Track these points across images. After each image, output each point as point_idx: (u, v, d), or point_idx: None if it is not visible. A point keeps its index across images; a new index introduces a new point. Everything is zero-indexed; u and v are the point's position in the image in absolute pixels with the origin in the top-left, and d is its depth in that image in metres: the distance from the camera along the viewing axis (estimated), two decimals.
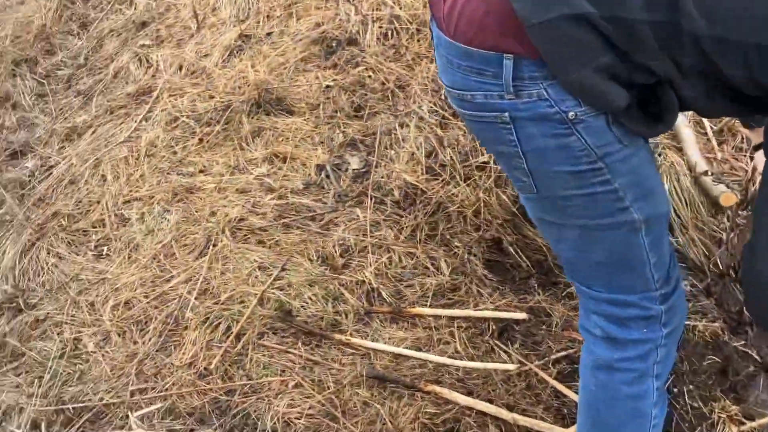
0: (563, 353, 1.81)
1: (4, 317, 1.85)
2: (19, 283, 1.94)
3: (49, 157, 2.41)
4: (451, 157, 2.22)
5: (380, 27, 2.72)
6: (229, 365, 1.69)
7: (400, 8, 2.74)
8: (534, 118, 1.08)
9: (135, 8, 3.31)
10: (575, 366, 1.76)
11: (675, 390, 1.82)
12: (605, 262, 1.22)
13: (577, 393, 1.67)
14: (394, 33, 2.69)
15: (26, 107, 2.72)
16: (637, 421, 1.31)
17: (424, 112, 2.37)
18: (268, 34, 2.90)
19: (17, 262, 2.00)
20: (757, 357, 1.89)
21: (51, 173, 2.33)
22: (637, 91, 1.05)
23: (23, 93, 2.80)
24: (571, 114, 1.05)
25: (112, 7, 3.37)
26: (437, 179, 2.18)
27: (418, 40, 2.64)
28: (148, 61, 2.93)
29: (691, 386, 1.82)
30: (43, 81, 2.88)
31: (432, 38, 1.25)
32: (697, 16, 0.94)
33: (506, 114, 1.10)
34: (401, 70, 2.54)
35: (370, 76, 2.53)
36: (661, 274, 1.23)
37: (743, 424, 1.74)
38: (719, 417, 1.75)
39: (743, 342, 1.94)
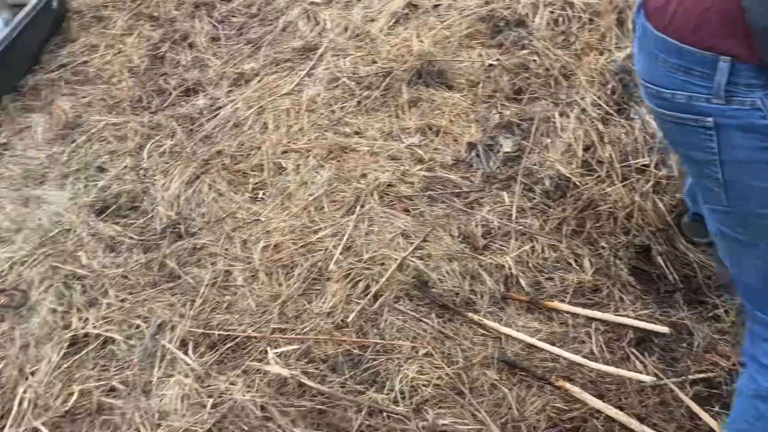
0: (702, 375, 1.72)
1: (166, 240, 1.99)
2: (182, 211, 2.08)
3: (218, 98, 2.54)
4: (610, 154, 2.14)
5: (551, 12, 2.66)
6: (364, 322, 1.75)
7: None
8: (742, 128, 1.03)
9: None
10: (713, 391, 1.69)
11: None
12: None
13: (714, 418, 1.60)
14: (565, 20, 2.63)
15: (201, 48, 2.88)
16: None
17: (587, 105, 2.30)
18: (435, 6, 2.90)
19: (182, 192, 2.14)
20: None
21: (218, 114, 2.46)
22: None
23: (199, 34, 2.96)
24: None
25: None
26: (592, 175, 2.12)
27: (590, 30, 2.56)
28: (315, 19, 3.01)
29: None
30: (217, 25, 3.03)
31: (635, 29, 1.20)
32: None
33: (710, 119, 1.05)
34: (568, 58, 2.47)
35: (534, 60, 2.48)
36: None
37: None
38: None
39: None
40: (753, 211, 1.10)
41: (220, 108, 2.50)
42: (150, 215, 2.07)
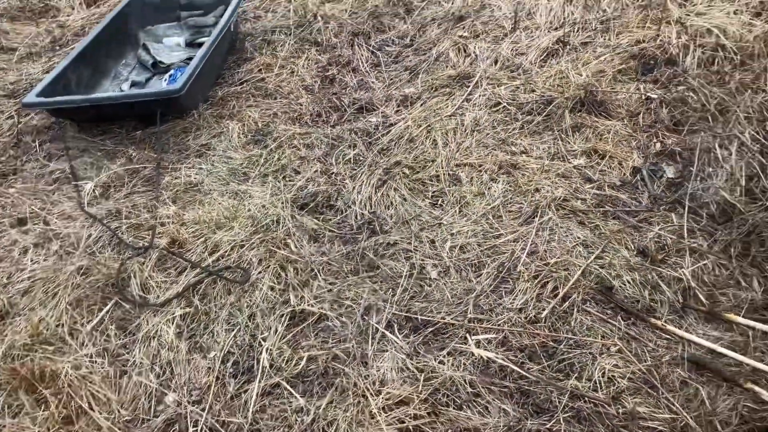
0: None
1: (363, 234, 2.20)
2: (375, 211, 2.30)
3: (389, 116, 2.78)
4: None
5: (703, 53, 2.81)
6: (556, 319, 1.90)
7: (726, 38, 2.80)
8: None
9: (452, 3, 3.66)
10: None
11: None
12: None
13: None
14: (718, 60, 2.77)
15: (364, 72, 3.14)
16: None
17: (746, 139, 2.43)
18: (585, 43, 3.09)
19: (373, 194, 2.35)
20: None
21: (390, 130, 2.69)
22: None
23: (360, 60, 3.23)
24: None
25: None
26: (756, 203, 2.23)
27: (743, 71, 2.69)
28: (465, 50, 3.24)
29: None
30: (376, 52, 3.30)
31: None
32: None
33: None
34: (723, 95, 2.61)
35: (691, 96, 2.62)
36: None
37: None
38: None
39: None
40: None
41: (392, 125, 2.73)
42: (345, 213, 2.30)
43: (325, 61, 3.22)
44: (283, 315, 1.93)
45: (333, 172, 2.47)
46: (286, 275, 2.05)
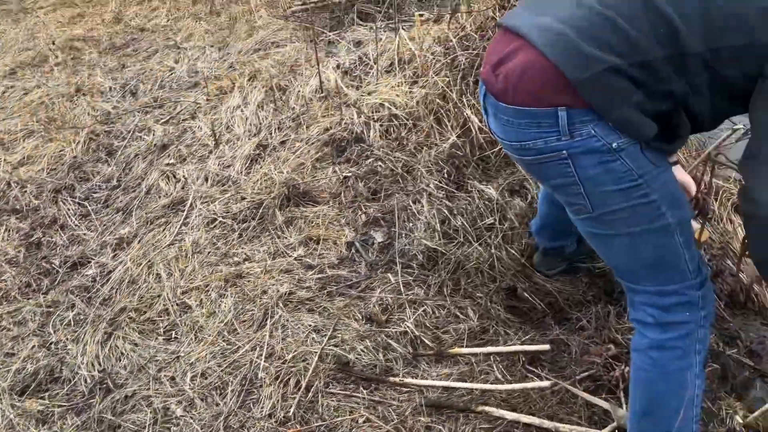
0: (586, 374, 2.09)
1: (97, 397, 2.08)
2: (105, 368, 2.19)
3: (106, 264, 2.70)
4: (462, 222, 2.57)
5: (381, 125, 3.15)
6: (304, 412, 1.95)
7: (396, 108, 3.18)
8: (586, 152, 1.42)
9: (153, 134, 3.71)
10: (597, 383, 2.05)
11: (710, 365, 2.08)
12: (651, 262, 1.53)
13: (605, 401, 1.95)
14: (395, 129, 3.12)
15: (73, 226, 3.03)
16: (684, 390, 1.59)
17: (432, 189, 2.75)
18: (282, 142, 3.30)
19: (99, 351, 2.25)
20: (750, 363, 2.19)
21: (110, 277, 2.61)
22: (660, 121, 1.41)
23: (68, 215, 3.12)
24: (614, 144, 1.39)
25: (133, 135, 3.76)
26: (453, 242, 2.52)
27: (416, 132, 3.06)
28: (175, 176, 3.29)
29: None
30: (83, 203, 3.21)
31: (485, 110, 1.60)
32: (693, 39, 1.30)
33: (564, 152, 1.44)
34: (406, 157, 2.94)
35: (380, 165, 2.91)
36: (694, 266, 1.54)
37: (747, 416, 2.02)
38: (726, 412, 2.03)
39: (736, 350, 2.24)
40: (610, 209, 1.48)
41: (110, 272, 2.65)
42: (73, 381, 2.16)
43: (28, 226, 3.05)
44: None
45: (52, 342, 2.32)
46: None
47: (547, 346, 2.17)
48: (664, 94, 1.38)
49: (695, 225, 2.48)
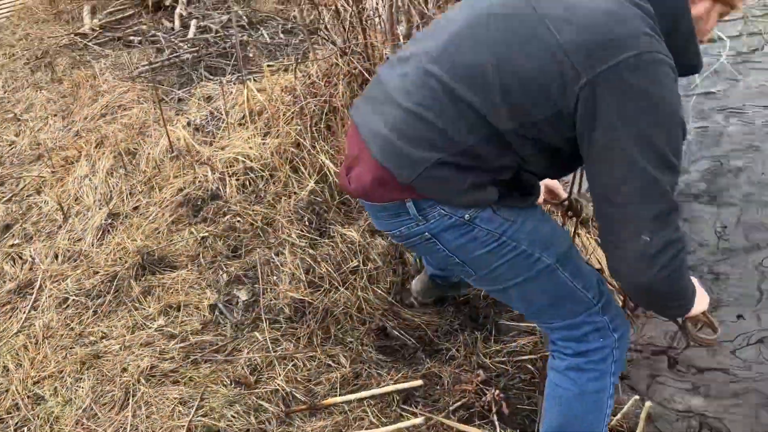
0: (459, 403, 2.12)
1: None
2: None
3: None
4: (326, 269, 2.56)
5: (237, 179, 3.11)
6: None
7: (251, 161, 3.15)
8: (444, 229, 1.49)
9: None
10: (471, 410, 2.09)
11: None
12: (547, 302, 1.60)
13: (479, 428, 1.98)
14: (251, 182, 3.08)
15: None
16: (600, 411, 1.67)
17: (294, 239, 2.73)
18: (135, 208, 3.17)
19: None
20: None
21: None
22: (504, 184, 1.47)
23: None
24: (466, 216, 1.46)
25: None
26: (319, 290, 2.51)
27: (273, 183, 3.04)
28: (21, 257, 3.07)
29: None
30: None
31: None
32: (501, 119, 1.36)
33: (426, 233, 1.52)
34: (264, 210, 2.90)
35: (238, 221, 2.86)
36: (594, 291, 1.60)
37: (611, 420, 2.11)
38: None
39: None
40: (489, 269, 1.55)
41: None
42: None
43: None
44: None
45: None
46: None
47: (419, 382, 2.19)
48: (498, 169, 1.45)
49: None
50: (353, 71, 3.12)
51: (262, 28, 5.11)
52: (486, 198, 1.45)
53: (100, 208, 3.22)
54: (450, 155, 1.39)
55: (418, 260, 2.56)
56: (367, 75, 3.10)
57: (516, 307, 1.73)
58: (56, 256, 3.00)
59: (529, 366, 2.26)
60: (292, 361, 2.24)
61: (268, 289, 2.54)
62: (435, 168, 1.40)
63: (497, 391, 2.12)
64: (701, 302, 1.56)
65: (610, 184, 1.33)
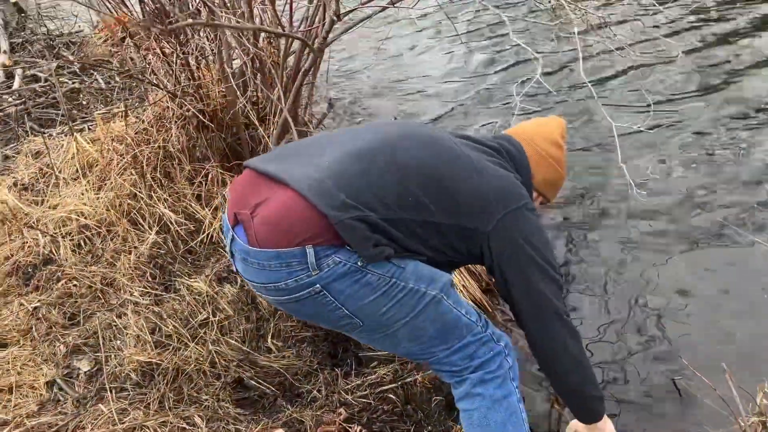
0: None
1: None
2: None
3: None
4: (173, 326, 2.43)
5: (72, 239, 2.90)
6: None
7: (86, 218, 2.95)
8: (337, 278, 1.52)
9: None
10: None
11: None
12: (435, 332, 1.66)
13: None
14: (87, 240, 2.89)
15: None
16: (517, 414, 1.74)
17: (137, 297, 2.58)
18: None
19: None
20: None
21: None
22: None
23: None
24: (360, 263, 1.53)
25: None
26: (168, 349, 2.37)
27: (112, 239, 2.87)
28: None
29: (429, 427, 2.20)
30: None
31: (231, 252, 1.66)
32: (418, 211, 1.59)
33: (317, 285, 1.53)
34: (104, 269, 2.73)
35: (74, 285, 2.66)
36: (474, 314, 1.73)
37: None
38: None
39: None
40: (378, 314, 1.59)
41: None
42: None
43: None
44: None
45: None
46: None
47: (281, 431, 2.12)
48: (404, 239, 1.60)
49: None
50: (186, 113, 3.02)
51: (96, 73, 4.85)
52: (384, 253, 1.55)
53: None
54: (378, 218, 1.53)
55: None
56: (201, 116, 3.02)
57: (401, 349, 1.74)
58: None
59: (392, 396, 2.25)
60: (143, 430, 2.09)
61: (112, 356, 2.37)
62: (360, 221, 1.51)
63: (360, 428, 2.09)
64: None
65: None
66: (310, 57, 2.85)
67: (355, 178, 1.56)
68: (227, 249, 1.68)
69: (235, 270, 1.79)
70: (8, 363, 2.38)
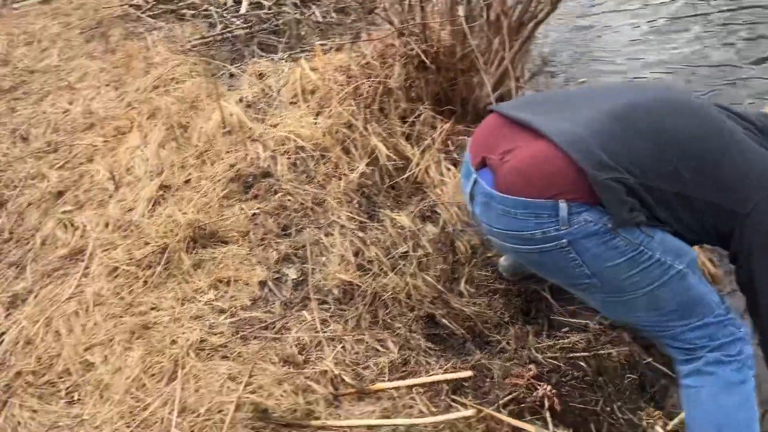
0: (509, 397, 2.08)
1: None
2: None
3: None
4: (375, 253, 2.53)
5: (288, 158, 3.09)
6: None
7: (302, 140, 3.13)
8: (586, 236, 1.51)
9: (48, 181, 3.49)
10: (522, 405, 2.05)
11: (607, 408, 2.13)
12: (677, 307, 1.61)
13: (531, 423, 1.94)
14: (302, 161, 3.06)
15: None
16: (748, 403, 1.65)
17: (344, 221, 2.70)
18: (186, 181, 3.18)
19: None
20: (667, 371, 2.24)
21: (3, 340, 2.41)
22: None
23: None
24: (609, 225, 1.50)
25: (25, 183, 3.54)
26: (368, 273, 2.48)
27: (324, 164, 3.02)
28: (72, 224, 3.10)
29: (618, 402, 2.13)
30: None
31: (471, 195, 1.68)
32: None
33: (564, 240, 1.52)
34: (315, 190, 2.88)
35: (289, 200, 2.85)
36: (715, 295, 1.65)
37: (667, 424, 2.06)
38: (647, 422, 2.07)
39: (651, 359, 2.29)
40: (620, 278, 1.57)
41: (3, 334, 2.45)
42: None
43: None
44: None
45: None
46: None
47: (469, 373, 2.15)
48: (659, 203, 1.55)
49: None
50: (410, 53, 3.06)
51: (314, 7, 5.06)
52: (638, 220, 1.51)
53: (151, 180, 3.24)
54: (635, 183, 1.49)
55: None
56: (423, 57, 3.05)
57: (635, 319, 1.71)
58: (107, 225, 3.02)
59: (582, 363, 2.20)
60: (341, 343, 2.22)
61: (317, 270, 2.52)
62: (619, 183, 1.48)
63: (549, 387, 2.07)
64: None
65: None
66: (545, 9, 2.77)
67: (614, 139, 1.51)
68: (465, 191, 1.70)
69: (470, 213, 1.81)
70: (228, 259, 2.61)
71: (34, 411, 2.10)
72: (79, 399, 2.13)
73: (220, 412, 1.98)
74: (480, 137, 1.69)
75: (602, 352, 2.25)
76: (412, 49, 3.05)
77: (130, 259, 2.72)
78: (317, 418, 1.97)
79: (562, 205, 1.48)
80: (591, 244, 1.51)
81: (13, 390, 2.17)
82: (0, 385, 2.19)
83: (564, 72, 4.35)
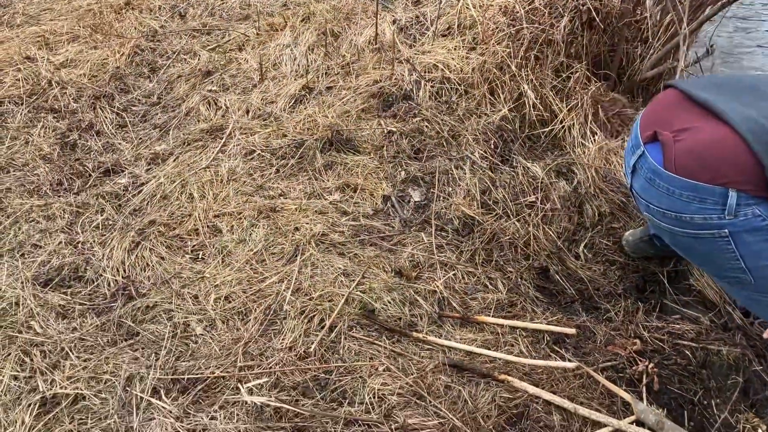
0: (609, 364, 2.06)
1: (119, 302, 2.06)
2: (130, 275, 2.17)
3: (139, 176, 2.67)
4: (503, 195, 2.53)
5: (432, 86, 3.09)
6: (325, 350, 1.92)
7: (450, 71, 3.11)
8: (749, 231, 1.46)
9: (199, 59, 3.65)
10: (620, 374, 2.03)
11: (704, 402, 2.07)
12: None
13: (627, 392, 1.92)
14: (445, 92, 3.06)
15: (109, 134, 3.00)
16: None
17: (476, 158, 2.70)
18: (329, 88, 3.25)
19: (126, 258, 2.22)
20: None
21: (142, 189, 2.58)
22: None
23: (105, 122, 3.08)
24: None
25: (178, 57, 3.71)
26: (491, 213, 2.48)
27: (467, 99, 3.00)
28: (216, 103, 3.24)
29: (717, 400, 2.07)
30: (121, 114, 3.17)
31: (633, 168, 1.63)
32: None
33: (725, 230, 1.48)
34: (453, 122, 2.88)
35: (426, 126, 2.86)
36: None
37: None
38: (744, 426, 2.01)
39: (762, 367, 2.21)
40: None
41: (143, 184, 2.62)
42: (96, 282, 2.14)
43: (65, 127, 3.02)
44: (30, 404, 1.73)
45: (79, 242, 2.30)
46: (32, 360, 1.85)
47: (573, 330, 2.14)
48: None
49: None
50: (581, 7, 2.97)
51: None
52: None
53: (295, 79, 3.32)
54: None
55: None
56: (594, 14, 2.95)
57: None
58: (247, 111, 3.14)
59: (688, 353, 2.15)
60: (453, 270, 2.25)
61: (441, 198, 2.55)
62: None
63: (651, 365, 2.04)
64: None
65: None
66: None
67: None
68: (629, 161, 1.65)
69: (627, 185, 1.77)
70: (358, 167, 2.67)
71: (162, 258, 2.25)
72: (202, 258, 2.27)
73: (330, 301, 2.07)
74: (654, 111, 1.63)
75: (712, 347, 2.18)
76: (584, 4, 2.95)
77: (267, 146, 2.83)
78: (419, 331, 2.03)
79: (732, 194, 1.42)
80: (754, 239, 1.45)
81: (146, 235, 2.33)
82: (135, 228, 2.36)
83: (726, 61, 4.11)
